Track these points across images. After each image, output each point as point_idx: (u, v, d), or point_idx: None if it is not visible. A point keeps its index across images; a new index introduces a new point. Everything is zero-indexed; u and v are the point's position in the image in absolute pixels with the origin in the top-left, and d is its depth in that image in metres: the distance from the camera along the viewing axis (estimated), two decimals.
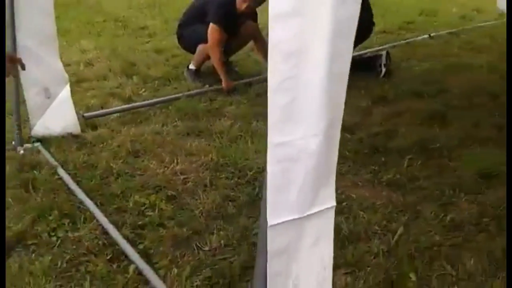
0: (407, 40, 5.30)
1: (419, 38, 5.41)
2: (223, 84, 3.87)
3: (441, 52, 5.00)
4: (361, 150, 2.98)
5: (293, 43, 1.23)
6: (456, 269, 1.99)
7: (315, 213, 1.41)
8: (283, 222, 1.37)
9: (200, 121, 3.35)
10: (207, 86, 3.93)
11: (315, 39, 1.22)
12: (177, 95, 3.69)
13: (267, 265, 1.38)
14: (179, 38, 4.20)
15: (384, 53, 4.24)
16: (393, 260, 2.04)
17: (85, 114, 3.29)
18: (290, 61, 1.24)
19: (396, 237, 2.17)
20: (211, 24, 3.83)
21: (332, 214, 1.46)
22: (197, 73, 4.09)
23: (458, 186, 2.57)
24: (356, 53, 4.67)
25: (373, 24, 4.37)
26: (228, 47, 4.05)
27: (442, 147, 3.00)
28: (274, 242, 1.37)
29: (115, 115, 3.41)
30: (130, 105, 3.55)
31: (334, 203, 1.45)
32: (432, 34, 5.50)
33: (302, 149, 1.31)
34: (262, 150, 2.89)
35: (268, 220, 1.35)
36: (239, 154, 2.87)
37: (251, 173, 2.71)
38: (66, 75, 3.03)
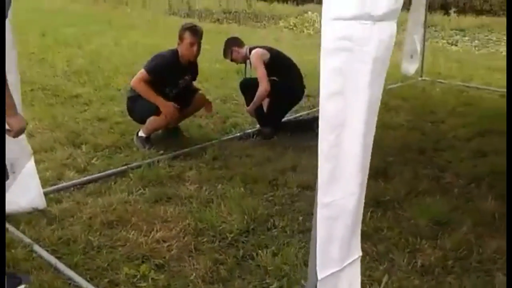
0: None
1: None
2: (163, 109, 3.96)
3: None
4: None
5: (338, 117, 1.45)
6: None
7: (348, 263, 1.59)
8: (327, 276, 1.53)
9: (165, 187, 3.40)
10: (161, 152, 4.00)
11: (354, 114, 1.46)
12: (138, 163, 3.72)
13: None
14: (129, 111, 4.26)
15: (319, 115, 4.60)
16: None
17: (49, 189, 3.20)
18: (335, 132, 1.46)
19: (383, 285, 2.39)
20: (141, 70, 4.00)
21: (359, 263, 1.65)
22: (148, 140, 4.15)
23: (418, 234, 2.88)
24: (291, 117, 5.03)
25: (304, 87, 4.76)
26: (181, 116, 4.23)
27: (393, 199, 3.33)
28: None
29: (77, 186, 3.36)
30: (94, 176, 3.52)
31: (361, 253, 1.64)
32: None
33: (343, 208, 1.51)
34: (235, 213, 3.03)
35: (318, 275, 1.50)
36: (215, 218, 2.96)
37: (231, 235, 2.81)
38: (30, 148, 2.97)
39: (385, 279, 2.42)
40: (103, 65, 7.31)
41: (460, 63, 9.06)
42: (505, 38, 11.92)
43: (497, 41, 11.51)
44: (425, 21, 7.21)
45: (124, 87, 6.18)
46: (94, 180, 3.47)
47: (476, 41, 11.41)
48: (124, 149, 4.10)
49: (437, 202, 3.29)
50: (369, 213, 3.08)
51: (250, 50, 4.41)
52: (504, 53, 10.21)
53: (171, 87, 4.17)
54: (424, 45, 7.38)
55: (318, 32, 12.40)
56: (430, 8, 16.19)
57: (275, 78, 4.45)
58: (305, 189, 3.45)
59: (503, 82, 7.43)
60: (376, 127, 4.90)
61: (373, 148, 4.20)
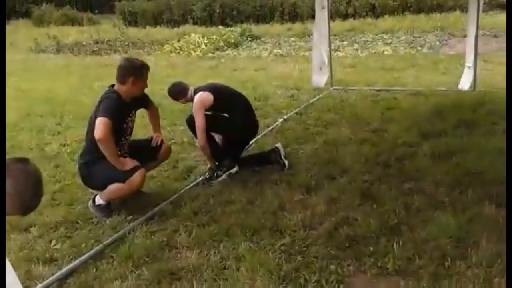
0: (270, 128, 5.61)
1: (278, 122, 5.78)
2: (124, 167, 3.53)
3: (304, 132, 5.43)
4: (339, 244, 3.03)
5: None
6: None
7: None
8: None
9: (161, 262, 2.94)
10: (129, 218, 3.50)
11: None
12: (112, 238, 3.19)
13: None
14: (86, 179, 3.67)
15: (279, 145, 4.43)
16: None
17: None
18: None
19: None
20: (98, 119, 3.45)
21: None
22: (108, 207, 3.61)
23: (448, 256, 2.82)
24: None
25: (255, 118, 4.57)
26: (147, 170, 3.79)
27: (400, 222, 3.25)
28: None
29: (55, 284, 2.77)
30: (70, 266, 2.93)
31: None
32: (285, 117, 5.96)
33: None
34: (258, 275, 2.73)
35: None
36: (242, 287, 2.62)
37: None
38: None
39: None
40: None
41: (355, 68, 9.51)
42: (378, 37, 12.85)
43: (373, 42, 12.34)
44: (329, 32, 7.40)
45: (37, 145, 5.45)
46: (73, 271, 2.89)
47: (356, 45, 12.10)
48: (82, 223, 3.51)
49: (441, 216, 3.28)
50: (392, 243, 2.98)
51: (195, 91, 4.18)
52: (386, 52, 10.97)
53: (125, 135, 3.75)
54: (330, 55, 7.59)
55: (206, 53, 12.28)
56: (299, 19, 16.90)
57: (225, 114, 4.25)
58: (311, 230, 3.23)
59: (404, 80, 7.96)
60: (327, 146, 4.86)
61: (341, 171, 4.20)
